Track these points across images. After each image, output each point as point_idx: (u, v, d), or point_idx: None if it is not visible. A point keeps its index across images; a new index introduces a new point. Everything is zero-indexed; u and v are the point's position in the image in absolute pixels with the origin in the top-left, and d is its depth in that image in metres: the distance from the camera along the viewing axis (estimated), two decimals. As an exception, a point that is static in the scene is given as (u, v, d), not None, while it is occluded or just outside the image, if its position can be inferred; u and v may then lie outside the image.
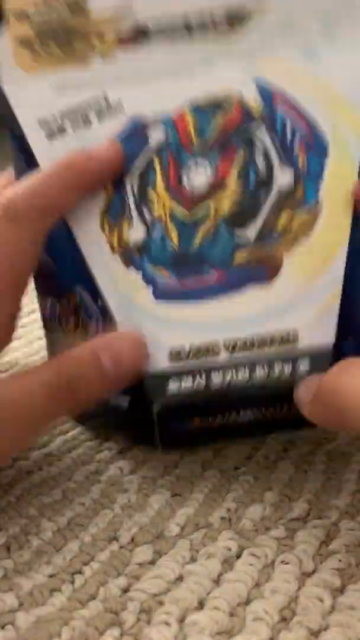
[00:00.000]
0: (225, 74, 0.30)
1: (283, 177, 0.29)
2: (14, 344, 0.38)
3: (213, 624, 0.21)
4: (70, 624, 0.21)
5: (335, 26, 0.31)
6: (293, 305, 0.28)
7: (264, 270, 0.28)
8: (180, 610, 0.22)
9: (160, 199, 0.29)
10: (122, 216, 0.29)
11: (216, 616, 0.21)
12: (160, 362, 0.27)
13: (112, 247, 0.29)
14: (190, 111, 0.30)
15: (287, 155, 0.29)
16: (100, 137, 0.29)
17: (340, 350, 0.27)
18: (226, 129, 0.29)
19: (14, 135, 0.30)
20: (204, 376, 0.27)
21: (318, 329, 0.27)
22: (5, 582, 0.23)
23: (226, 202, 0.28)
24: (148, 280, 0.28)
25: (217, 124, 0.29)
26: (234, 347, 0.27)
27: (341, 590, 0.23)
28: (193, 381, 0.27)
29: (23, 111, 0.30)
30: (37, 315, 0.34)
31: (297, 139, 0.29)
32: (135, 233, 0.28)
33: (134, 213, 0.29)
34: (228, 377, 0.27)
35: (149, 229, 0.29)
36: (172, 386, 0.27)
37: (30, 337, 0.43)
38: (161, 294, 0.28)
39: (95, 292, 0.29)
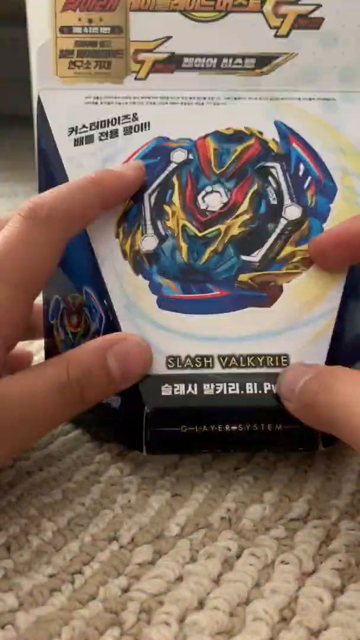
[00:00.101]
0: (248, 111, 0.33)
1: (292, 212, 0.31)
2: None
3: (213, 624, 0.21)
4: (70, 624, 0.21)
5: (353, 81, 0.34)
6: (288, 330, 0.29)
7: (264, 295, 0.29)
8: (180, 610, 0.22)
9: (175, 215, 0.31)
10: (137, 226, 0.31)
11: (216, 616, 0.21)
12: (158, 367, 0.28)
13: (124, 253, 0.30)
14: (213, 140, 0.32)
15: (297, 192, 0.31)
16: (125, 149, 0.32)
17: None
18: (244, 159, 0.32)
19: (40, 150, 0.33)
20: (196, 386, 0.28)
21: (309, 355, 0.29)
22: (5, 582, 0.23)
23: (236, 227, 0.30)
24: (154, 288, 0.30)
25: (236, 155, 0.32)
26: (227, 362, 0.29)
27: (341, 590, 0.23)
28: (185, 389, 0.28)
29: (55, 117, 0.33)
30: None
31: (308, 180, 0.31)
32: (147, 243, 0.30)
33: (149, 224, 0.31)
34: (219, 390, 0.28)
35: (161, 240, 0.30)
36: (165, 391, 0.28)
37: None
38: (165, 303, 0.29)
39: (102, 293, 0.30)
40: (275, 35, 0.33)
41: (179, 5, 0.33)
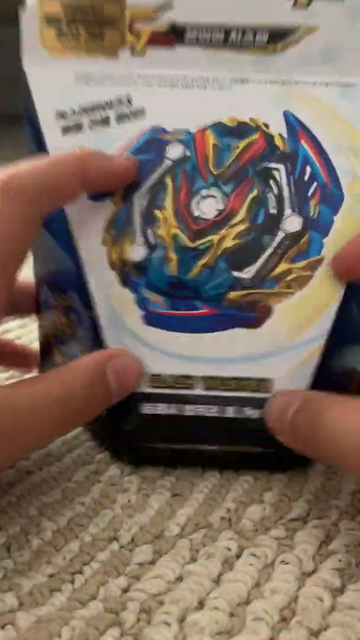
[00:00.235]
0: (256, 98, 0.29)
1: (291, 225, 0.28)
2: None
3: (213, 624, 0.21)
4: (70, 624, 0.21)
5: None
6: (274, 355, 0.28)
7: (252, 316, 0.28)
8: (180, 610, 0.22)
9: (167, 223, 0.28)
10: (126, 233, 0.28)
11: (216, 616, 0.21)
12: (141, 384, 0.28)
13: (111, 263, 0.28)
14: (213, 134, 0.29)
15: (300, 201, 0.28)
16: (116, 140, 0.29)
17: None
18: (246, 158, 0.29)
19: (28, 117, 0.30)
20: (177, 407, 0.28)
21: (292, 382, 0.28)
22: (5, 582, 0.23)
23: (230, 240, 0.28)
24: (141, 303, 0.28)
25: (237, 153, 0.29)
26: (210, 384, 0.28)
27: (341, 590, 0.23)
28: (166, 408, 0.28)
29: (42, 99, 0.29)
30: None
31: (314, 186, 0.28)
32: (136, 253, 0.28)
33: (138, 232, 0.28)
34: (200, 412, 0.28)
35: (150, 250, 0.28)
36: (147, 410, 0.28)
37: (30, 337, 0.43)
38: (151, 319, 0.28)
39: (87, 302, 0.29)
40: (294, 5, 0.28)
41: None
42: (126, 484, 0.28)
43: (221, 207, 0.28)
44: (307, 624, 0.21)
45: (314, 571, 0.24)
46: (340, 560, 0.24)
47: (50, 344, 0.32)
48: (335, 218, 0.28)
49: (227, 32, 0.28)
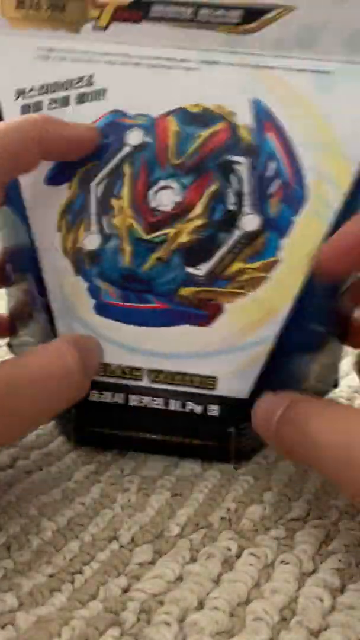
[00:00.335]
0: (224, 82, 0.27)
1: (249, 224, 0.27)
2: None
3: (213, 624, 0.21)
4: (70, 624, 0.21)
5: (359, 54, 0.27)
6: (220, 353, 0.28)
7: (203, 313, 0.28)
8: (180, 610, 0.22)
9: (122, 213, 0.28)
10: (81, 220, 0.28)
11: (216, 616, 0.21)
12: None
13: (65, 249, 0.28)
14: (176, 120, 0.27)
15: (260, 198, 0.27)
16: (75, 121, 0.27)
17: (252, 405, 0.27)
18: (208, 149, 0.27)
19: None
20: (122, 396, 0.29)
21: (237, 382, 0.28)
22: (5, 582, 0.23)
23: (186, 234, 0.27)
24: (93, 292, 0.28)
25: (199, 142, 0.27)
26: (156, 377, 0.29)
27: (341, 590, 0.23)
28: (112, 397, 0.29)
29: (2, 74, 0.28)
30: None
31: (276, 183, 0.27)
32: (90, 241, 0.28)
33: (93, 220, 0.28)
34: (144, 402, 0.29)
35: (104, 240, 0.28)
36: (93, 397, 0.29)
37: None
38: (102, 309, 0.28)
39: (40, 287, 0.29)
40: None
41: None
42: (126, 483, 0.28)
43: (179, 199, 0.27)
44: (307, 624, 0.21)
45: (314, 571, 0.24)
46: (340, 560, 0.24)
47: (14, 321, 0.33)
48: (295, 219, 0.27)
49: (197, 8, 0.27)
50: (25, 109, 0.28)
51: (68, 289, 0.28)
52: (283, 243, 0.27)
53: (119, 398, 0.29)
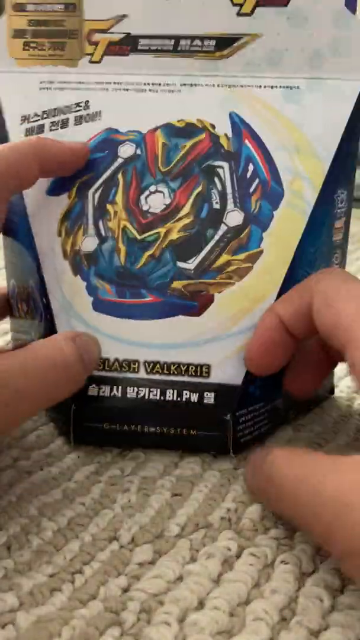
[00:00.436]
0: (203, 101, 0.31)
1: (233, 218, 0.30)
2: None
3: (213, 624, 0.21)
4: (71, 624, 0.21)
5: (322, 67, 0.30)
6: (213, 341, 0.29)
7: (195, 304, 0.29)
8: (180, 610, 0.22)
9: (117, 215, 0.30)
10: (79, 225, 0.30)
11: (216, 616, 0.21)
12: None
13: (64, 252, 0.30)
14: (163, 134, 0.31)
15: (242, 196, 0.30)
16: (73, 140, 0.31)
17: (247, 391, 0.30)
18: (192, 157, 0.30)
19: None
20: (120, 388, 0.29)
21: (230, 368, 0.29)
22: (5, 582, 0.23)
23: (175, 232, 0.30)
24: (90, 290, 0.30)
25: (184, 151, 0.30)
26: (152, 368, 0.29)
27: (341, 590, 0.23)
28: (110, 391, 0.29)
29: (9, 104, 0.32)
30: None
31: (255, 183, 0.30)
32: (87, 243, 0.30)
33: (90, 224, 0.30)
34: (141, 394, 0.29)
35: (101, 242, 0.30)
36: (92, 392, 0.30)
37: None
38: (100, 306, 0.30)
39: (42, 290, 0.30)
40: (238, 14, 0.30)
41: None
42: (126, 484, 0.28)
43: (168, 202, 0.30)
44: (307, 624, 0.21)
45: (313, 571, 0.24)
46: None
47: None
48: (275, 213, 0.30)
49: (177, 41, 0.31)
50: (29, 132, 0.32)
51: (67, 289, 0.30)
52: (265, 235, 0.30)
53: (117, 391, 0.29)
